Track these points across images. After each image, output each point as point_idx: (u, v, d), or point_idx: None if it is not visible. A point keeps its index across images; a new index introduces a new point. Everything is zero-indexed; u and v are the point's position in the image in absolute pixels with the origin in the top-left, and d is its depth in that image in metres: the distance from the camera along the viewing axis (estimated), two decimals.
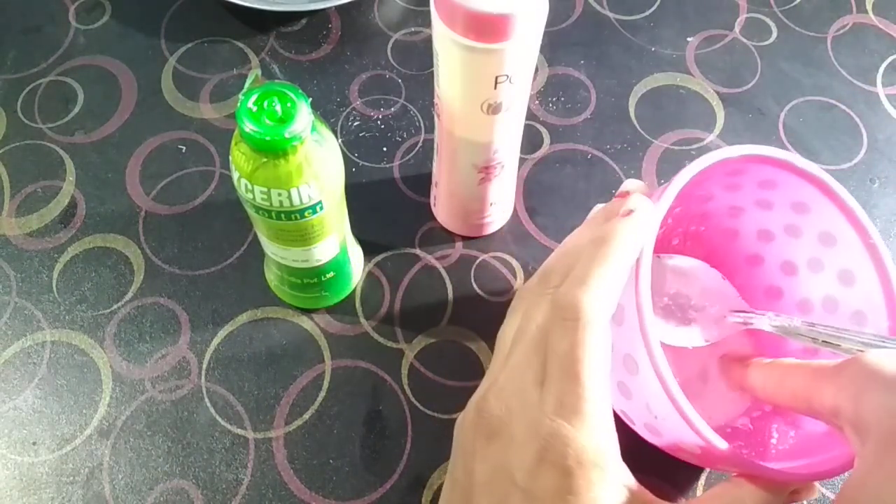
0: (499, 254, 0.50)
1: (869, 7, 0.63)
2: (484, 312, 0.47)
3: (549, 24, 0.35)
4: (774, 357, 0.39)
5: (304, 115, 0.33)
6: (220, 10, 0.59)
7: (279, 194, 0.35)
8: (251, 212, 0.38)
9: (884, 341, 0.32)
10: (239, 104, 0.33)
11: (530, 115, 0.55)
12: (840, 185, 0.38)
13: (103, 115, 0.55)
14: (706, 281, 0.44)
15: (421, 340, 0.46)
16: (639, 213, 0.33)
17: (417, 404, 0.44)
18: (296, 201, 0.36)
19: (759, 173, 0.40)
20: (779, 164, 0.38)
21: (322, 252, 0.41)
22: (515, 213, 0.51)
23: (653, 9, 0.62)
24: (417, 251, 0.49)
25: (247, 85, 0.34)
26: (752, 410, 0.42)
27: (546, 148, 0.54)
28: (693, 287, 0.43)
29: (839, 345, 0.33)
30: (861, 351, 0.31)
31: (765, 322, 0.38)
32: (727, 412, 0.43)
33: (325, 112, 0.55)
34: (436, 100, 0.40)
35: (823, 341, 0.34)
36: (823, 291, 0.40)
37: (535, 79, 0.57)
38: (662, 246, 0.46)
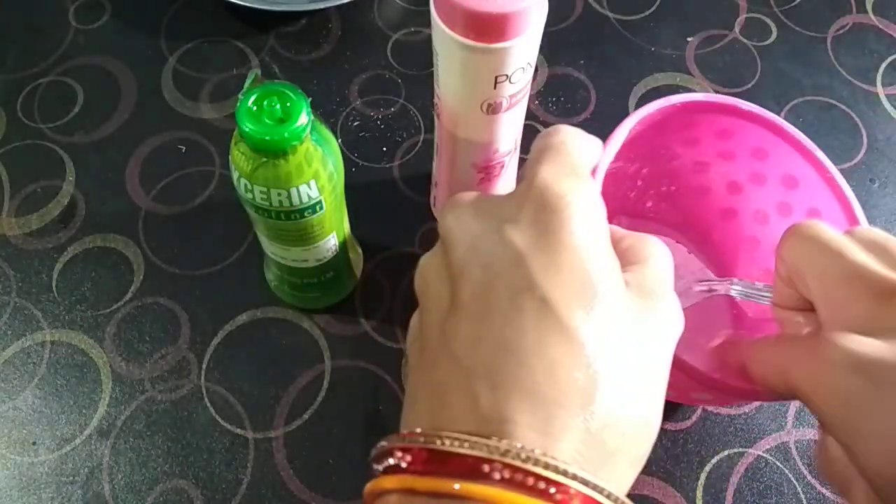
0: None
1: (869, 7, 0.63)
2: None
3: (549, 24, 0.35)
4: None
5: (303, 115, 0.33)
6: (220, 10, 0.59)
7: (279, 194, 0.35)
8: (251, 212, 0.38)
9: None
10: (239, 104, 0.33)
11: (530, 115, 0.55)
12: (790, 124, 0.39)
13: (103, 115, 0.55)
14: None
15: None
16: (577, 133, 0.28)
17: None
18: (295, 201, 0.36)
19: (714, 123, 0.41)
20: (725, 110, 0.39)
21: (322, 252, 0.41)
22: None
23: (653, 9, 0.62)
24: (417, 251, 0.49)
25: (246, 85, 0.34)
26: None
27: None
28: None
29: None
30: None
31: (726, 287, 0.39)
32: None
33: (325, 112, 0.55)
34: (436, 100, 0.40)
35: None
36: None
37: (535, 79, 0.57)
38: (637, 210, 0.47)
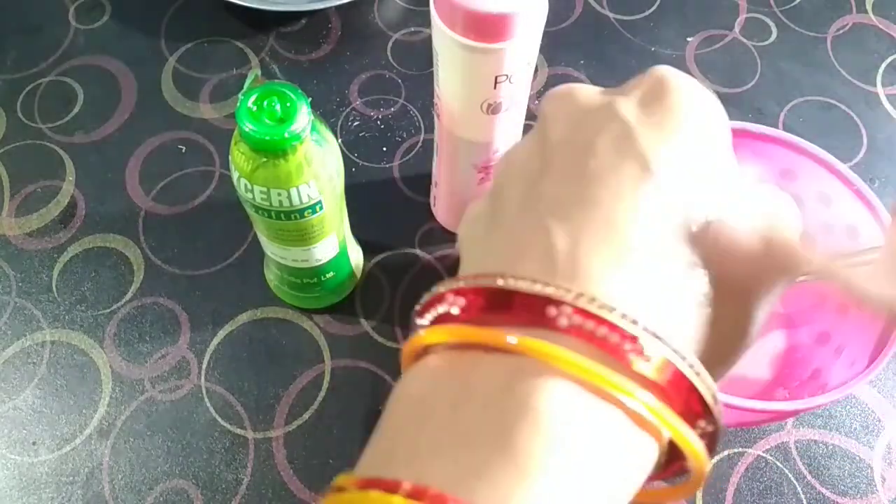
0: None
1: (869, 7, 0.63)
2: None
3: (549, 24, 0.35)
4: None
5: (303, 115, 0.33)
6: (220, 10, 0.59)
7: (279, 194, 0.35)
8: (251, 212, 0.38)
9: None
10: (239, 104, 0.33)
11: (530, 115, 0.54)
12: (812, 144, 0.41)
13: (103, 115, 0.55)
14: None
15: None
16: None
17: None
18: (295, 201, 0.36)
19: (779, 161, 0.41)
20: (790, 147, 0.41)
21: (322, 252, 0.41)
22: None
23: (653, 9, 0.62)
24: (417, 251, 0.49)
25: (246, 85, 0.34)
26: (789, 381, 0.43)
27: None
28: None
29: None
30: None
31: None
32: (759, 383, 0.44)
33: (325, 112, 0.55)
34: (436, 100, 0.40)
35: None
36: None
37: (535, 79, 0.57)
38: None
